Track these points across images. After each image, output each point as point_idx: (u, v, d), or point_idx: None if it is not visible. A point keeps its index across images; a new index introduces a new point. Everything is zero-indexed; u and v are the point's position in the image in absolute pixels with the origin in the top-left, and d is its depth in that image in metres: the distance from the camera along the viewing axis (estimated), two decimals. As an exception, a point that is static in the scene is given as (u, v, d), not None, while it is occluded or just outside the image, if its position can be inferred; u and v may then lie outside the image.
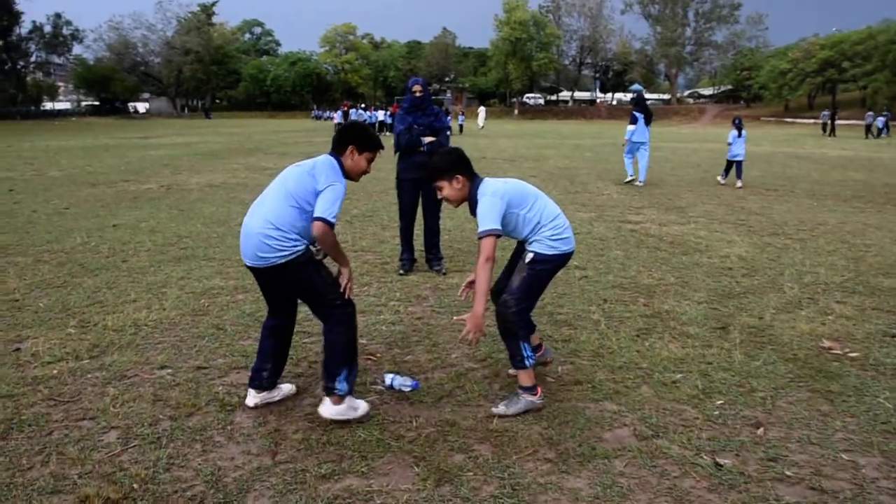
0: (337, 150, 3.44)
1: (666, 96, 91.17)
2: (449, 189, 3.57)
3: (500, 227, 3.43)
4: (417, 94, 6.33)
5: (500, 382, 3.91)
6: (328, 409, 3.33)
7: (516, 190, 3.60)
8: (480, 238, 3.39)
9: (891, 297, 5.78)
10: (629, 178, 14.08)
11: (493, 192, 3.48)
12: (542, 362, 4.06)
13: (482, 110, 42.51)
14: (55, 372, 3.90)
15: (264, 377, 3.49)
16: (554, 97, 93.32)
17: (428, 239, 6.67)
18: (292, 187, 3.26)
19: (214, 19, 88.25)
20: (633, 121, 13.92)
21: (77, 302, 5.25)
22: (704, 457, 3.11)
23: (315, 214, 3.20)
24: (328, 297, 3.35)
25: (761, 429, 3.39)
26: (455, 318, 3.71)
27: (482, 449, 3.14)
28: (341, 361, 3.33)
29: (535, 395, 3.57)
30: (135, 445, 3.09)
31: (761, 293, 5.82)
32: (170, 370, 3.97)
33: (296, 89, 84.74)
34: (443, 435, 3.26)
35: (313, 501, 2.72)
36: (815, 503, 2.77)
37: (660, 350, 4.41)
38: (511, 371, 3.85)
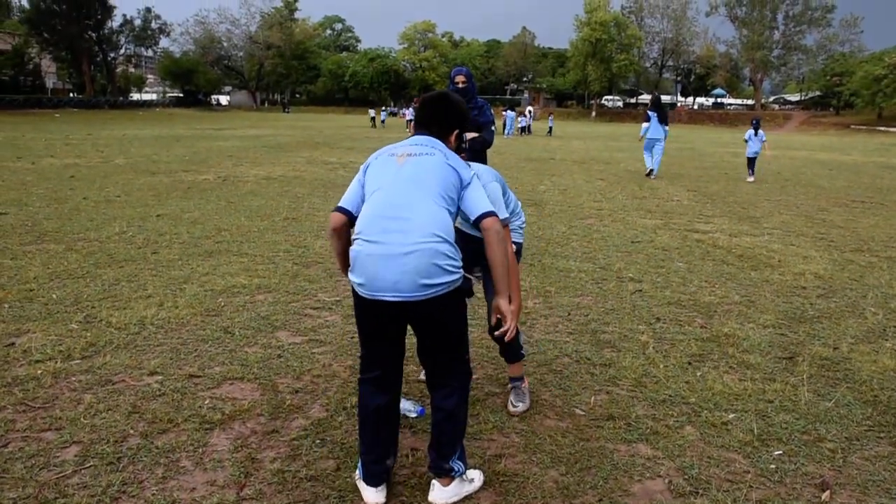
0: (440, 133, 2.73)
1: (750, 101, 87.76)
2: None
3: None
4: (461, 86, 5.86)
5: (522, 411, 3.41)
6: (441, 494, 2.61)
7: (498, 176, 3.32)
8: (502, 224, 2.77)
9: None
10: (648, 170, 15.40)
11: (496, 178, 3.23)
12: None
13: (530, 109, 41.09)
14: (39, 372, 3.61)
15: (389, 466, 2.65)
16: (633, 100, 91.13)
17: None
18: (435, 183, 2.50)
19: (297, 15, 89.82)
20: (647, 119, 15.48)
21: (90, 295, 5.01)
22: (753, 526, 2.55)
23: (484, 209, 2.52)
24: (464, 346, 2.68)
25: (827, 492, 2.79)
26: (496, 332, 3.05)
27: (482, 497, 2.66)
28: (462, 434, 2.68)
29: (524, 382, 3.56)
30: (90, 466, 2.74)
31: (838, 318, 5.12)
32: (159, 377, 3.63)
33: (373, 85, 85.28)
34: (440, 475, 2.79)
35: (271, 551, 2.30)
36: None
37: (713, 382, 3.83)
38: (512, 409, 3.43)
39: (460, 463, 2.64)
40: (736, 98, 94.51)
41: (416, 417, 3.28)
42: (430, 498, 2.62)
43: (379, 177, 2.58)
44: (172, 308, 4.77)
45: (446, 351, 2.62)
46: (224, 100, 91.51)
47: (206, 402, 3.35)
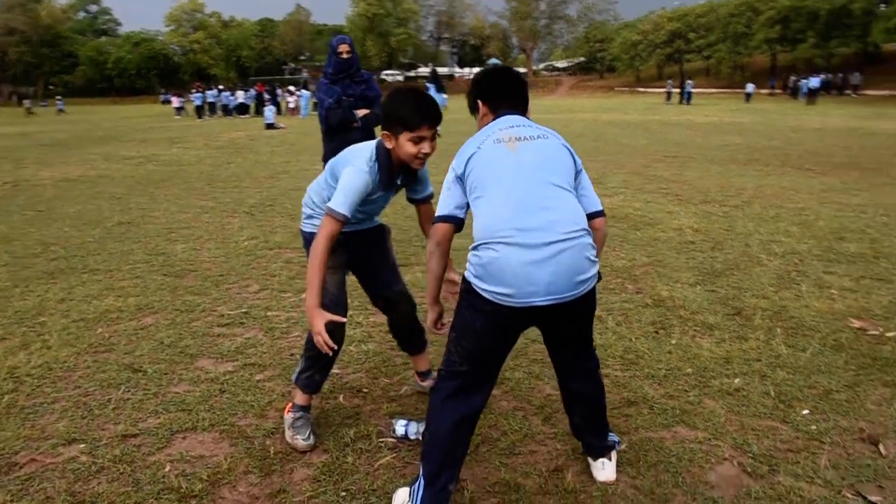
0: (524, 110, 2.44)
1: (522, 70, 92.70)
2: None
3: None
4: (345, 56, 5.28)
5: (538, 411, 3.05)
6: (612, 468, 2.55)
7: None
8: None
9: (870, 263, 5.44)
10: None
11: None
12: None
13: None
14: None
15: (451, 492, 2.26)
16: (412, 73, 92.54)
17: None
18: (561, 169, 2.24)
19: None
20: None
21: (-79, 347, 3.86)
22: (848, 496, 2.41)
23: (599, 206, 2.35)
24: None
25: (880, 445, 2.75)
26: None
27: (575, 525, 2.29)
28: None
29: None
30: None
31: (744, 269, 5.30)
32: (81, 445, 2.79)
33: (141, 72, 78.58)
34: (512, 508, 2.36)
35: None
36: None
37: (695, 349, 3.72)
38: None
39: (612, 433, 2.65)
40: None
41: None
42: (604, 477, 2.51)
43: (492, 169, 2.19)
44: (44, 350, 3.79)
45: (586, 337, 2.42)
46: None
47: (169, 469, 2.60)
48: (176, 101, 35.78)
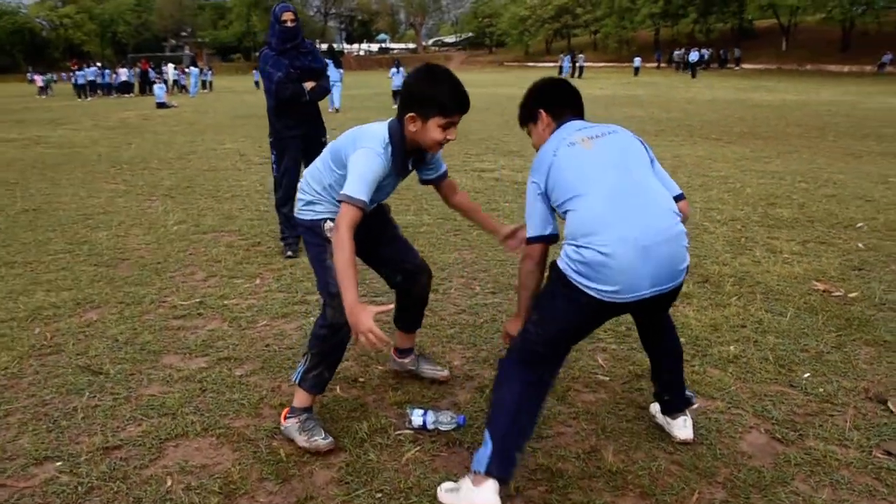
0: (583, 113, 2.48)
1: (412, 45, 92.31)
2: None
3: None
4: (290, 24, 4.94)
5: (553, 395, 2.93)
6: (691, 424, 2.55)
7: None
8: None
9: (806, 227, 5.66)
10: (332, 109, 18.31)
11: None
12: None
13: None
14: None
15: (517, 462, 2.14)
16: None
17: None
18: (642, 157, 2.27)
19: None
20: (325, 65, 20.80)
21: None
22: (880, 456, 2.44)
23: (679, 191, 2.40)
24: None
25: (889, 403, 2.81)
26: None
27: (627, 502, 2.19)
28: None
29: None
30: None
31: (695, 236, 5.38)
32: (59, 462, 2.44)
33: (4, 48, 72.38)
34: (563, 495, 2.23)
35: None
36: None
37: (680, 318, 3.70)
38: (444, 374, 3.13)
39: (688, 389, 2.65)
40: (398, 42, 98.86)
41: (456, 429, 2.62)
42: (684, 436, 2.51)
43: (576, 170, 2.16)
44: (-22, 355, 3.34)
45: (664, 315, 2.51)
46: None
47: (171, 483, 2.31)
48: (39, 80, 32.88)
